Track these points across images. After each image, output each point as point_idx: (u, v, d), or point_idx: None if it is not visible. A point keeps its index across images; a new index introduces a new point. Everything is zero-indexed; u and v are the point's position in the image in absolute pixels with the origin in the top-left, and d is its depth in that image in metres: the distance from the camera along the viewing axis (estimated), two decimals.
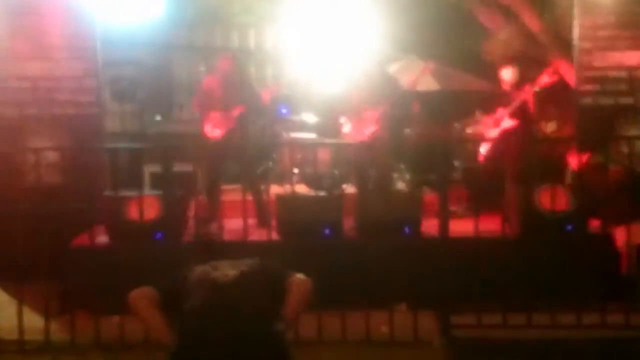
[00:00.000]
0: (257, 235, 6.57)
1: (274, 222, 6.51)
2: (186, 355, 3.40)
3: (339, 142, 7.93)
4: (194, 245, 5.47)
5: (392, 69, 9.58)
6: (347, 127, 7.73)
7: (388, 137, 7.74)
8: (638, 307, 5.71)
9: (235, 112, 7.36)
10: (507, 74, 7.48)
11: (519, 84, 7.40)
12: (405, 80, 8.57)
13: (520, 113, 7.38)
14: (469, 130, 8.48)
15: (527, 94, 7.28)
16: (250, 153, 7.73)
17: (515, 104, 7.31)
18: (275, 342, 3.47)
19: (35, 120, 7.39)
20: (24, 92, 7.42)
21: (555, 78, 7.42)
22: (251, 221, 6.80)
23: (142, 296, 3.61)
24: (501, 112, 7.40)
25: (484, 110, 7.77)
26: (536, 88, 7.22)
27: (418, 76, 8.38)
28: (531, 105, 7.30)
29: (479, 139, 7.80)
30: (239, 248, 4.90)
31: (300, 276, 3.75)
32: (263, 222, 6.96)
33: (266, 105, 8.19)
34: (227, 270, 3.68)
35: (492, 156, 7.45)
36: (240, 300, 3.52)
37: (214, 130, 7.38)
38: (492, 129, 7.49)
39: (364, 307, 5.64)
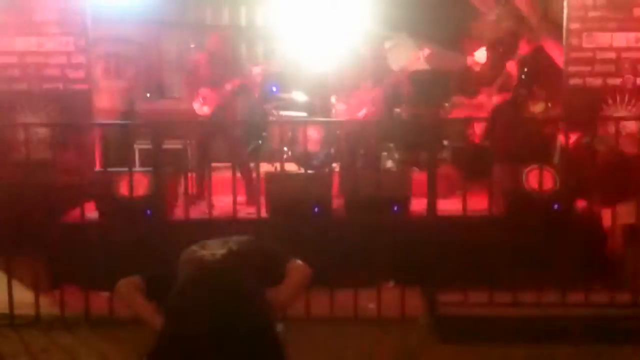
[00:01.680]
0: (247, 213, 6.60)
1: (263, 200, 6.54)
2: (172, 334, 3.37)
3: (329, 120, 7.95)
4: None
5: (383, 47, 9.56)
6: (337, 106, 7.75)
7: (378, 116, 7.76)
8: (622, 285, 5.79)
9: (225, 90, 7.36)
10: (481, 55, 7.60)
11: (495, 64, 7.49)
12: (399, 64, 8.58)
13: (506, 89, 7.48)
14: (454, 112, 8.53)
15: (510, 67, 7.39)
16: (239, 131, 7.75)
17: (500, 80, 7.39)
18: (262, 324, 3.43)
19: (24, 95, 7.38)
20: (13, 67, 7.40)
21: (532, 45, 7.51)
22: (241, 199, 6.84)
23: (128, 286, 3.61)
24: (487, 90, 7.47)
25: (465, 92, 7.84)
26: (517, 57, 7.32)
27: (411, 62, 8.39)
28: (514, 77, 7.38)
29: (468, 119, 7.85)
30: (228, 225, 4.95)
31: (299, 262, 3.71)
32: (252, 200, 7.00)
33: (255, 84, 8.21)
34: (216, 248, 3.64)
35: (480, 135, 7.51)
36: (225, 280, 3.48)
37: (202, 108, 7.39)
38: (480, 107, 7.56)
39: (352, 284, 5.69)
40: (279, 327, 4.93)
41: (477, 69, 7.76)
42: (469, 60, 7.82)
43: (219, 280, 3.48)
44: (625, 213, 6.03)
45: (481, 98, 7.68)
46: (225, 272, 3.52)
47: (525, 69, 8.32)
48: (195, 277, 3.51)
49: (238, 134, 7.66)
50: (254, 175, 7.05)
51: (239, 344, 3.33)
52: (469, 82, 7.81)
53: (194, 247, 3.70)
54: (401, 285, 5.87)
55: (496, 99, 7.64)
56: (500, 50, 7.73)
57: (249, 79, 7.74)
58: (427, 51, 8.45)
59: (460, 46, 9.51)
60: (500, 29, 9.06)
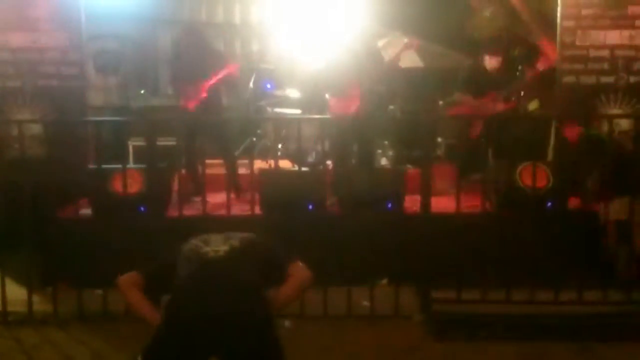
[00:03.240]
0: (241, 209, 6.60)
1: (257, 197, 6.53)
2: (173, 331, 3.39)
3: (323, 117, 7.95)
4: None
5: (377, 45, 9.57)
6: (331, 103, 7.75)
7: (372, 113, 7.76)
8: (615, 283, 5.81)
9: (205, 84, 7.33)
10: (493, 63, 7.65)
11: (504, 70, 7.53)
12: (388, 54, 8.57)
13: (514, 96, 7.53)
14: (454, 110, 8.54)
15: (523, 83, 7.46)
16: (226, 125, 7.73)
17: (512, 89, 7.45)
18: (262, 322, 3.45)
19: (18, 92, 7.37)
20: (7, 63, 7.39)
21: (548, 65, 7.53)
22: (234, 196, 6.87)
23: (128, 283, 3.65)
24: (494, 95, 7.50)
25: (466, 89, 7.83)
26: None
27: (400, 50, 8.38)
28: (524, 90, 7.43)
29: (463, 117, 7.86)
30: (221, 222, 4.95)
31: (302, 265, 3.73)
32: (240, 197, 7.04)
33: (239, 79, 8.20)
34: (218, 245, 3.66)
35: (475, 133, 7.52)
36: (228, 277, 3.50)
37: (187, 103, 7.38)
38: (484, 110, 7.57)
39: (346, 282, 5.70)
40: (287, 323, 4.98)
41: (487, 71, 7.77)
42: (486, 61, 7.81)
43: (222, 278, 3.51)
44: (618, 209, 6.05)
45: (485, 100, 7.67)
46: (228, 270, 3.55)
47: (520, 67, 8.36)
48: (199, 274, 3.53)
49: (224, 129, 7.61)
50: (243, 171, 7.05)
51: (239, 341, 3.36)
52: (478, 82, 7.79)
53: (196, 242, 3.71)
54: (395, 282, 5.88)
55: (500, 106, 7.64)
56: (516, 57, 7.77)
57: (230, 73, 7.69)
58: (415, 42, 8.46)
59: (454, 43, 9.53)
60: (494, 26, 9.08)
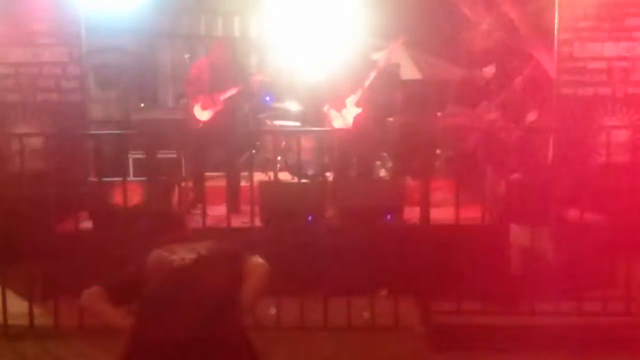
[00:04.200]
0: (241, 222, 6.61)
1: (257, 209, 6.55)
2: (145, 341, 3.37)
3: (322, 130, 7.98)
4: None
5: (375, 57, 9.61)
6: (330, 115, 7.78)
7: (371, 125, 7.79)
8: (615, 294, 5.81)
9: (225, 96, 7.43)
10: (489, 72, 7.68)
11: (500, 79, 7.53)
12: (379, 58, 8.62)
13: (504, 104, 7.53)
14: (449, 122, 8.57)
15: (513, 88, 7.47)
16: (235, 139, 7.78)
17: (502, 98, 7.45)
18: (235, 326, 3.44)
19: (18, 106, 7.39)
20: (7, 78, 7.41)
21: (538, 70, 7.56)
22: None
23: (91, 297, 3.60)
24: (485, 104, 7.52)
25: (462, 101, 7.87)
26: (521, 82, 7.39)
27: (389, 51, 8.42)
28: (516, 97, 7.43)
29: (462, 128, 7.88)
30: (222, 235, 4.96)
31: (257, 260, 3.69)
32: (234, 208, 7.06)
33: (253, 92, 8.28)
34: (185, 253, 3.62)
35: (474, 145, 7.54)
36: (198, 285, 3.48)
37: (202, 113, 7.44)
38: (476, 120, 7.59)
39: (345, 293, 5.71)
40: (272, 310, 4.98)
41: (481, 82, 7.83)
42: (480, 72, 7.86)
43: (190, 285, 3.48)
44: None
45: (479, 111, 7.71)
46: (196, 277, 3.52)
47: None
48: (166, 283, 3.50)
49: (233, 142, 7.68)
50: (244, 184, 7.08)
51: (210, 348, 3.34)
52: (470, 94, 7.84)
53: (161, 252, 3.67)
54: (394, 293, 5.89)
55: (493, 115, 7.67)
56: (508, 66, 7.80)
57: (250, 88, 7.80)
58: (401, 38, 8.49)
59: (453, 56, 9.57)
60: (491, 38, 9.11)
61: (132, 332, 3.41)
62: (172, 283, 3.50)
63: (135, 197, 6.28)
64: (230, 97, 7.61)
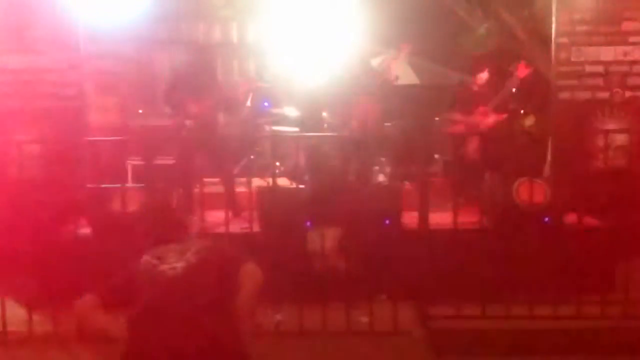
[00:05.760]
0: (240, 227, 6.61)
1: (255, 215, 6.55)
2: (140, 351, 3.39)
3: (321, 135, 7.98)
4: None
5: (373, 63, 9.63)
6: (328, 121, 7.80)
7: (369, 130, 7.80)
8: (613, 298, 5.82)
9: (202, 104, 7.37)
10: (483, 77, 7.71)
11: (493, 83, 7.56)
12: (381, 66, 8.63)
13: (502, 107, 7.56)
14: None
15: (507, 89, 7.49)
16: (222, 145, 7.75)
17: (497, 100, 7.47)
18: (230, 333, 3.44)
19: (17, 113, 7.39)
20: (5, 84, 7.41)
21: (530, 69, 7.59)
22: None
23: (82, 306, 3.59)
24: (482, 109, 7.53)
25: (459, 107, 7.88)
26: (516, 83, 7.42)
27: (390, 59, 8.43)
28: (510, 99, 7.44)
29: (460, 133, 7.89)
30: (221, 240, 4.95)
31: (251, 266, 3.65)
32: (236, 215, 7.05)
33: (238, 98, 8.23)
34: (174, 261, 3.58)
35: (472, 150, 7.56)
36: (189, 294, 3.46)
37: (183, 123, 7.40)
38: (475, 125, 7.60)
39: (344, 298, 5.71)
40: (278, 316, 4.98)
41: (476, 88, 7.85)
42: (474, 79, 7.87)
43: (181, 294, 3.47)
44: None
45: (477, 116, 7.72)
46: (187, 286, 3.50)
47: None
48: (157, 293, 3.48)
49: (221, 148, 7.64)
50: (241, 189, 7.07)
51: (205, 356, 3.35)
52: (466, 100, 7.85)
53: (151, 259, 3.63)
54: (394, 298, 5.89)
55: (492, 118, 7.68)
56: (499, 69, 7.82)
57: (233, 95, 7.75)
58: (405, 48, 8.50)
59: (451, 61, 9.59)
60: (489, 43, 9.14)
61: (127, 342, 3.41)
62: (164, 293, 3.48)
63: (134, 203, 6.28)
64: (212, 105, 7.48)
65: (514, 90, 7.87)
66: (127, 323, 3.46)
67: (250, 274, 3.62)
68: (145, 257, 3.64)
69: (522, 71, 7.60)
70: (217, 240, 4.02)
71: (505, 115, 7.74)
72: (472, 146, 7.61)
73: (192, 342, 3.33)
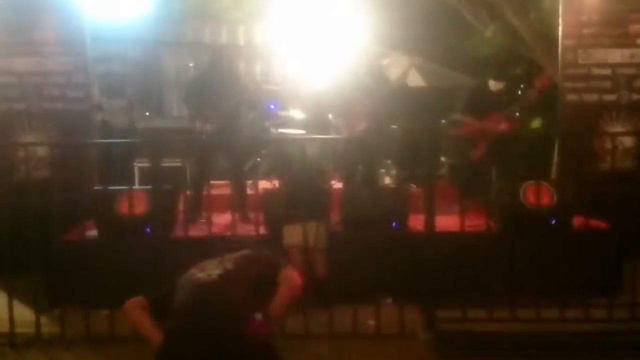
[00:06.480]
0: (247, 230, 6.61)
1: (261, 217, 6.55)
2: (170, 356, 3.44)
3: (327, 138, 7.99)
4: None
5: (381, 65, 9.63)
6: (335, 123, 7.80)
7: (375, 133, 7.80)
8: (620, 301, 5.80)
9: (226, 108, 7.39)
10: (495, 86, 7.69)
11: (506, 90, 7.58)
12: (393, 74, 8.62)
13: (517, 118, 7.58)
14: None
15: (525, 99, 7.50)
16: (240, 148, 7.77)
17: (513, 109, 7.47)
18: (257, 339, 3.46)
19: (24, 115, 7.42)
20: (12, 87, 7.44)
21: (548, 83, 7.57)
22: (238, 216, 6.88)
23: (134, 306, 3.70)
24: (496, 115, 7.52)
25: (469, 110, 7.86)
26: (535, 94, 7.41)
27: (408, 69, 8.43)
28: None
29: (466, 137, 7.88)
30: (227, 243, 4.96)
31: (290, 272, 3.77)
32: (245, 217, 7.05)
33: (257, 101, 8.25)
34: (212, 269, 3.70)
35: (479, 152, 7.54)
36: (220, 300, 3.54)
37: (204, 126, 7.41)
38: (486, 130, 7.59)
39: (351, 300, 5.71)
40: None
41: (494, 92, 7.82)
42: (490, 84, 7.85)
43: (213, 301, 3.54)
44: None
45: (489, 121, 7.70)
46: (220, 293, 3.58)
47: (522, 86, 8.40)
48: (191, 299, 3.58)
49: (239, 151, 7.67)
50: (249, 192, 7.08)
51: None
52: (481, 104, 7.82)
53: (193, 270, 3.76)
54: (400, 301, 5.88)
55: (505, 126, 7.66)
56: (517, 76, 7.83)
57: (254, 96, 7.78)
58: (418, 60, 8.50)
59: (455, 63, 9.59)
60: (495, 45, 9.13)
61: (160, 348, 3.49)
62: (195, 300, 3.57)
63: (141, 205, 6.29)
64: (233, 108, 7.50)
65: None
66: (164, 329, 3.56)
67: (288, 278, 3.73)
68: (191, 269, 3.77)
69: (542, 83, 7.57)
70: (257, 248, 4.08)
71: (518, 127, 7.74)
72: (480, 149, 7.59)
73: (222, 348, 3.39)
